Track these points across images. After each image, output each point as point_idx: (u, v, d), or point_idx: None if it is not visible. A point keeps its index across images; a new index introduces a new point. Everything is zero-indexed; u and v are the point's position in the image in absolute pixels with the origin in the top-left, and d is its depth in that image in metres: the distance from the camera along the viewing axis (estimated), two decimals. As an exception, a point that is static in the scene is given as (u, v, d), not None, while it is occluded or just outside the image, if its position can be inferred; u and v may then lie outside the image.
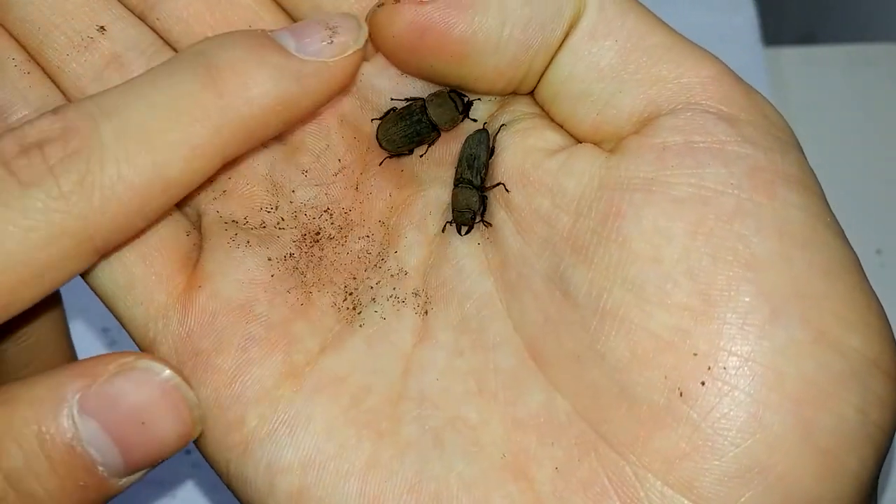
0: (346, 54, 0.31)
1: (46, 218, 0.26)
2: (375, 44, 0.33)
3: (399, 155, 0.35)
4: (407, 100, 0.35)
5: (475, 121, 0.34)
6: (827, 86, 0.64)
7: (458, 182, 0.33)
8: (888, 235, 0.57)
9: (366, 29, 0.31)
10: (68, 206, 0.27)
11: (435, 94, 0.34)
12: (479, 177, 0.33)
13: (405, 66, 0.34)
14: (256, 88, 0.29)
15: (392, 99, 0.35)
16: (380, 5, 0.32)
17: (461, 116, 0.34)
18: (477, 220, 0.33)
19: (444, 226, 0.33)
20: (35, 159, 0.27)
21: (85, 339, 0.52)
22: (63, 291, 0.54)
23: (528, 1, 0.30)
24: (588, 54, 0.31)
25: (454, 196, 0.33)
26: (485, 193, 0.33)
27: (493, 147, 0.33)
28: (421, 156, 0.35)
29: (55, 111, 0.28)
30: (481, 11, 0.30)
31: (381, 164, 0.35)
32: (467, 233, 0.33)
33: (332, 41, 0.30)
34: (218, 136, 0.28)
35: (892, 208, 0.59)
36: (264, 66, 0.29)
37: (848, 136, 0.63)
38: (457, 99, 0.34)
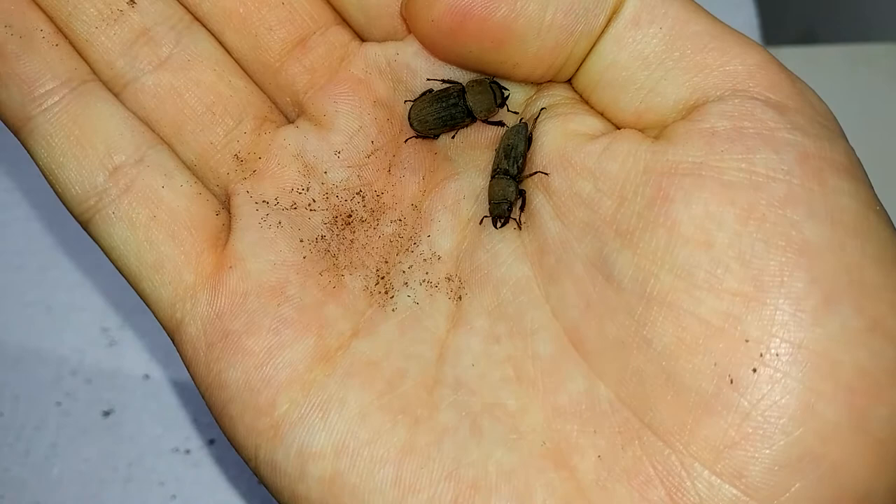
0: None
1: None
2: (412, 29, 0.32)
3: (425, 137, 0.34)
4: (444, 81, 0.34)
5: (516, 113, 0.34)
6: (827, 86, 0.64)
7: (495, 172, 0.33)
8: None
9: None
10: None
11: (476, 81, 0.34)
12: (515, 166, 0.32)
13: (443, 53, 0.33)
14: None
15: (428, 80, 0.34)
16: None
17: (498, 108, 0.33)
18: (512, 214, 0.32)
19: (482, 219, 0.33)
20: None
21: (85, 339, 0.52)
22: (63, 291, 0.54)
23: None
24: (632, 41, 0.30)
25: (490, 187, 0.32)
26: (521, 185, 0.32)
27: (531, 137, 0.32)
28: (452, 137, 0.34)
29: None
30: None
31: (406, 141, 0.34)
32: (503, 225, 0.32)
33: None
34: None
35: (893, 208, 0.59)
36: None
37: (848, 136, 0.63)
38: (496, 90, 0.33)
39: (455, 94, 0.33)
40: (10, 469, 0.48)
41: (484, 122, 0.34)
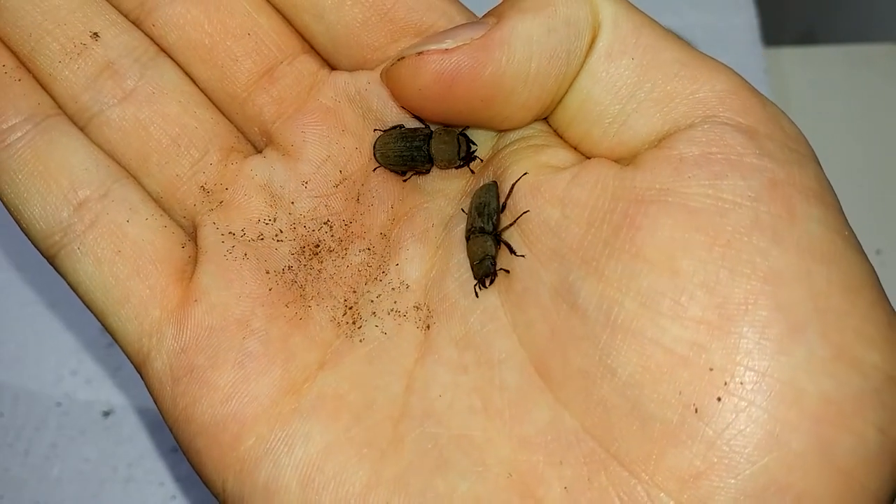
0: None
1: None
2: (397, 97, 0.32)
3: (394, 171, 0.34)
4: (419, 119, 0.34)
5: (481, 160, 0.33)
6: (827, 86, 0.64)
7: (470, 233, 0.32)
8: (888, 235, 0.57)
9: None
10: None
11: (444, 130, 0.33)
12: (490, 223, 0.31)
13: (431, 115, 0.33)
14: None
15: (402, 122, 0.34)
16: (400, 59, 0.31)
17: (460, 162, 0.33)
18: (498, 268, 0.31)
19: (475, 290, 0.31)
20: None
21: (85, 339, 0.52)
22: (62, 291, 0.54)
23: (550, 30, 0.30)
24: (605, 75, 0.30)
25: (469, 248, 0.32)
26: (500, 237, 0.31)
27: (507, 198, 0.31)
28: (404, 180, 0.34)
29: None
30: (508, 49, 0.29)
31: (374, 170, 0.34)
32: (491, 283, 0.31)
33: None
34: None
35: (892, 208, 0.59)
36: None
37: (848, 136, 0.63)
38: (463, 143, 0.33)
39: (421, 136, 0.33)
40: (10, 469, 0.48)
41: (444, 169, 0.34)
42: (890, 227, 0.58)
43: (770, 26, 0.65)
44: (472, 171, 0.33)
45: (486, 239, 0.31)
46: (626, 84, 0.30)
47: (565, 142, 0.32)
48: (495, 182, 0.32)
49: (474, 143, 0.33)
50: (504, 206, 0.31)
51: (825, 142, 0.61)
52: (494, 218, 0.31)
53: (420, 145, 0.33)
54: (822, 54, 0.65)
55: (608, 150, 0.30)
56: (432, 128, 0.34)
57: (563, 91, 0.30)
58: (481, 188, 0.32)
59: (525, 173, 0.31)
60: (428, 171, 0.34)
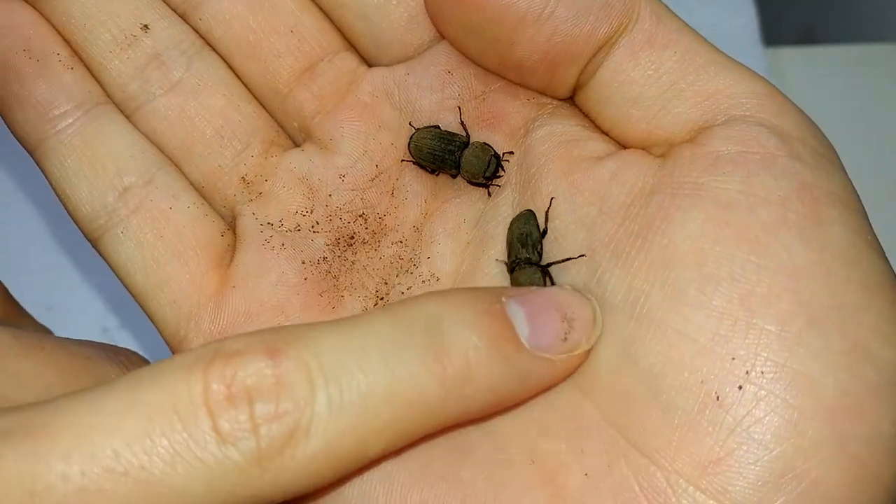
0: (574, 353, 0.28)
1: (238, 481, 0.24)
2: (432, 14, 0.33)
3: (418, 165, 0.35)
4: (463, 125, 0.34)
5: (506, 160, 0.33)
6: (827, 86, 0.64)
7: (515, 264, 0.31)
8: (888, 235, 0.57)
9: (601, 324, 0.29)
10: (261, 473, 0.24)
11: (482, 145, 0.33)
12: (536, 253, 0.31)
13: (447, 25, 0.33)
14: (480, 383, 0.26)
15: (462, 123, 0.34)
16: None
17: (483, 179, 0.33)
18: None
19: None
20: (241, 415, 0.24)
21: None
22: (62, 291, 0.54)
23: None
24: (647, 60, 0.31)
25: (517, 281, 0.31)
26: (547, 270, 0.31)
27: (546, 224, 0.31)
28: (435, 174, 0.35)
29: (269, 350, 0.25)
30: None
31: (401, 161, 0.35)
32: None
33: (566, 338, 0.28)
34: (426, 423, 0.26)
35: (893, 208, 0.59)
36: (496, 359, 0.27)
37: (848, 136, 0.63)
38: (493, 164, 0.33)
39: (458, 142, 0.34)
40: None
41: (467, 181, 0.34)
42: (890, 227, 0.58)
43: (770, 26, 0.65)
44: (489, 195, 0.34)
45: (535, 271, 0.31)
46: (668, 72, 0.30)
47: (598, 127, 0.32)
48: (532, 211, 0.32)
49: (503, 169, 0.33)
50: (545, 232, 0.31)
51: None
52: (539, 248, 0.31)
53: (454, 150, 0.34)
54: (822, 54, 0.66)
55: (644, 135, 0.31)
56: (472, 139, 0.34)
57: (585, 55, 0.31)
58: (519, 218, 0.32)
59: (552, 198, 0.31)
60: (454, 177, 0.34)
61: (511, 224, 0.32)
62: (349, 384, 0.25)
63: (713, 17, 0.61)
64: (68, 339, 0.35)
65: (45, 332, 0.39)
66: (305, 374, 0.25)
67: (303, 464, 0.25)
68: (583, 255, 0.30)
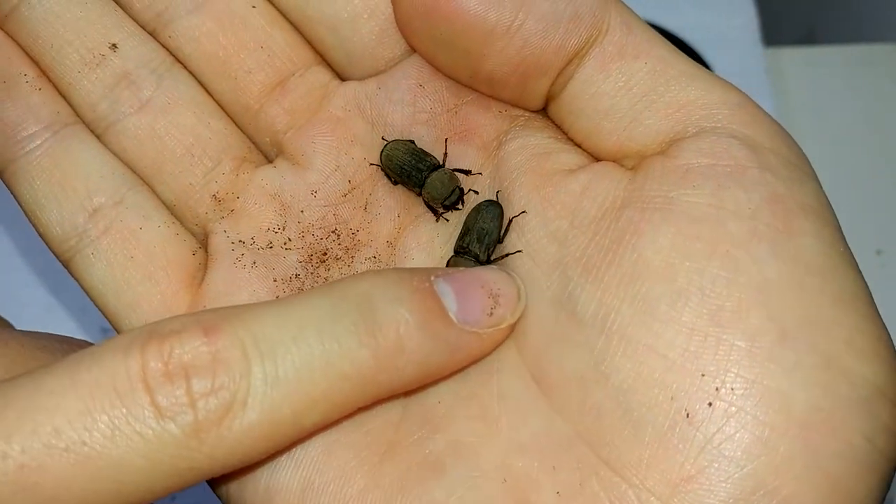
0: (500, 326, 0.29)
1: (176, 453, 0.25)
2: (393, 6, 0.33)
3: (385, 174, 0.35)
4: (429, 157, 0.34)
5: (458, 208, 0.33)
6: (827, 86, 0.64)
7: (460, 250, 0.32)
8: (888, 235, 0.57)
9: (525, 300, 0.30)
10: (199, 445, 0.25)
11: (450, 174, 0.33)
12: (486, 254, 0.31)
13: (417, 38, 0.33)
14: (411, 356, 0.28)
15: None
16: None
17: (440, 208, 0.33)
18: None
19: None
20: (178, 390, 0.25)
21: (84, 339, 0.52)
22: (62, 291, 0.54)
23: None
24: (617, 71, 0.30)
25: (449, 265, 0.32)
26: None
27: (505, 234, 0.31)
28: (396, 184, 0.35)
29: (205, 328, 0.26)
30: None
31: (370, 164, 0.35)
32: None
33: (491, 313, 0.29)
34: (360, 394, 0.28)
35: (892, 208, 0.59)
36: (425, 334, 0.28)
37: (848, 136, 0.63)
38: (455, 194, 0.33)
39: (428, 162, 0.34)
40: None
41: (424, 202, 0.34)
42: (890, 227, 0.58)
43: (770, 26, 0.65)
44: (437, 219, 0.34)
45: (473, 265, 0.31)
46: (639, 83, 0.30)
47: (570, 139, 0.32)
48: (501, 208, 0.32)
49: (462, 203, 0.33)
50: (502, 240, 0.32)
51: (825, 141, 0.61)
52: (491, 249, 0.32)
53: (423, 169, 0.33)
54: (822, 54, 0.66)
55: (616, 147, 0.31)
56: (442, 166, 0.34)
57: (550, 67, 0.31)
58: (487, 211, 0.32)
59: (523, 212, 0.31)
60: (418, 195, 0.34)
61: (480, 209, 0.32)
62: (284, 358, 0.26)
63: (713, 16, 0.61)
64: (24, 331, 0.35)
65: (3, 324, 0.39)
66: (241, 350, 0.26)
67: (240, 435, 0.26)
68: (519, 251, 0.31)
